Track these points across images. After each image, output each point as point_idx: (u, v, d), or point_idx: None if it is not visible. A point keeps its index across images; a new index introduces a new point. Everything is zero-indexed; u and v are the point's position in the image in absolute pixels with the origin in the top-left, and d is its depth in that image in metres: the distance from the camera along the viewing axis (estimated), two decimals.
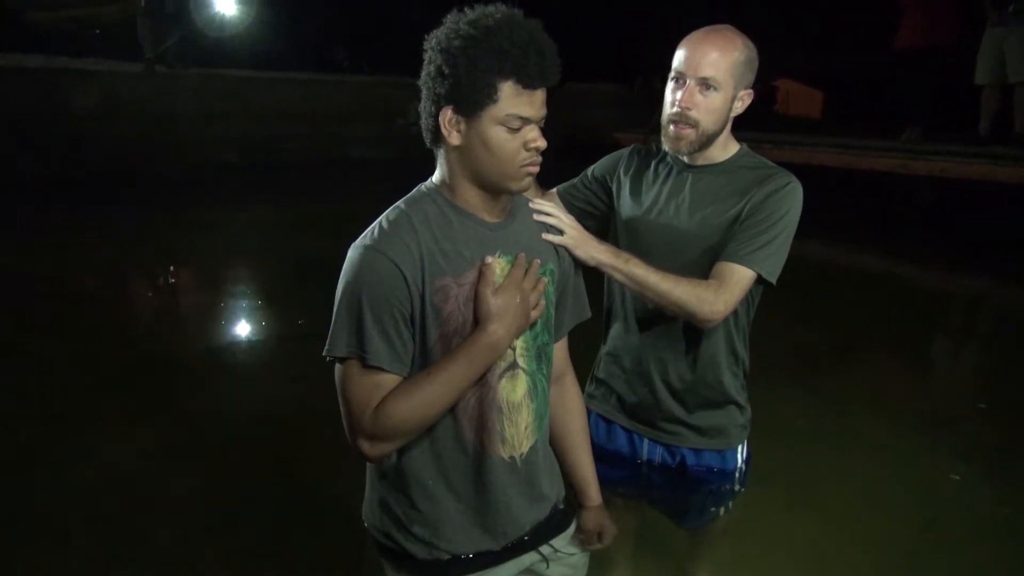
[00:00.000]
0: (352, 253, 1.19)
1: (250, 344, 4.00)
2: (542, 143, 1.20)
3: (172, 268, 5.47)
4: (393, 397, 1.16)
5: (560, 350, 1.45)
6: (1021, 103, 6.22)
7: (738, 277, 1.56)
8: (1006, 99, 6.35)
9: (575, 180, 1.92)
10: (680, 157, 1.71)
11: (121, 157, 8.20)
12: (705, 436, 1.81)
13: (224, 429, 2.95)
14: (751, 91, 1.66)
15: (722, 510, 1.93)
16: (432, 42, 1.17)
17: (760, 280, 1.59)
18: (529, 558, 1.37)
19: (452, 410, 1.23)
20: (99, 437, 2.84)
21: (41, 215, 6.64)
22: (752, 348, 1.82)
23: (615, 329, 1.86)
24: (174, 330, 4.23)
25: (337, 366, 1.20)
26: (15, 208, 6.72)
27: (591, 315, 1.49)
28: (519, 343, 1.26)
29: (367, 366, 1.16)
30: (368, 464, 1.34)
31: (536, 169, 1.22)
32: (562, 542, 1.42)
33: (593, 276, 1.54)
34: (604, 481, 1.55)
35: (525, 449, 1.31)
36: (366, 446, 1.18)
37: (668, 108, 1.64)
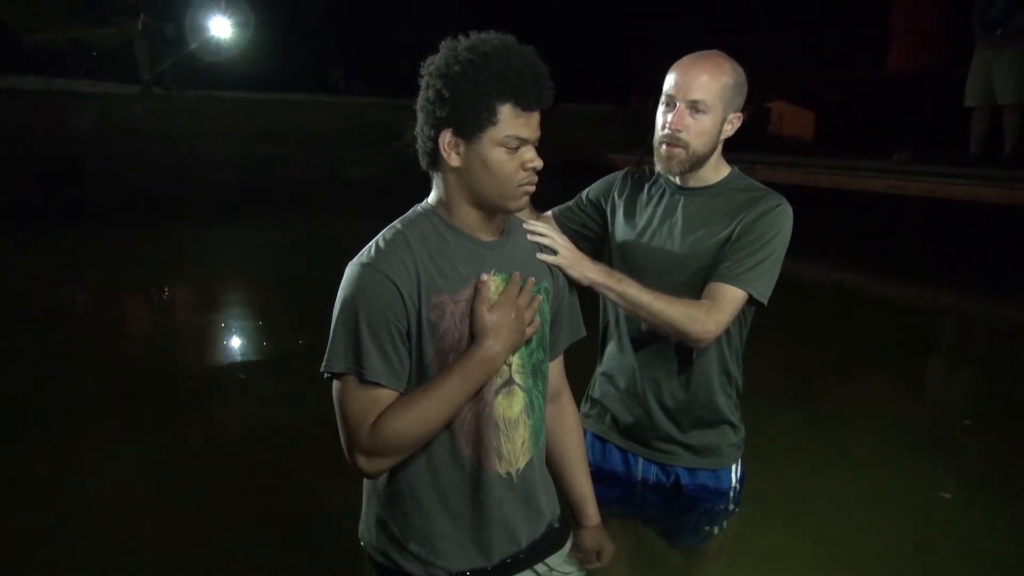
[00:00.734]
0: (349, 271, 1.21)
1: (246, 364, 4.00)
2: (539, 163, 1.23)
3: (168, 288, 5.47)
4: (390, 412, 1.18)
5: (556, 368, 1.47)
6: (1010, 125, 6.30)
7: (730, 297, 1.58)
8: (995, 121, 6.43)
9: (570, 203, 1.94)
10: (672, 179, 1.74)
11: (118, 178, 8.22)
12: (699, 455, 1.82)
13: (220, 449, 2.94)
14: (740, 114, 1.69)
15: (716, 529, 1.94)
16: (430, 68, 1.20)
17: (751, 300, 1.62)
18: None
19: (449, 426, 1.24)
20: (93, 458, 2.82)
21: (37, 235, 6.63)
22: (745, 368, 1.84)
23: (610, 349, 1.89)
24: (169, 350, 4.21)
25: (335, 382, 1.21)
26: (11, 227, 6.71)
27: (586, 334, 1.51)
28: (515, 360, 1.28)
29: (364, 382, 1.18)
30: (364, 482, 1.35)
31: (533, 188, 1.25)
32: (558, 560, 1.42)
33: (588, 296, 1.56)
34: (599, 500, 1.55)
35: (522, 465, 1.32)
36: (363, 462, 1.19)
37: (659, 130, 1.67)
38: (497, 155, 1.20)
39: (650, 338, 1.74)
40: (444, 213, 1.27)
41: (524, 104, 1.18)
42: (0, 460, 2.78)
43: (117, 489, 2.61)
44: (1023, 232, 6.22)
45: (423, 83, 1.21)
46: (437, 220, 1.27)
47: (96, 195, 7.82)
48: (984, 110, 6.42)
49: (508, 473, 1.30)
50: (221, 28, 11.18)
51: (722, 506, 1.87)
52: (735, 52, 1.68)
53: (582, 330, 1.50)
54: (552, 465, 1.47)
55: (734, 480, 1.87)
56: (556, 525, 1.44)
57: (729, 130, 1.69)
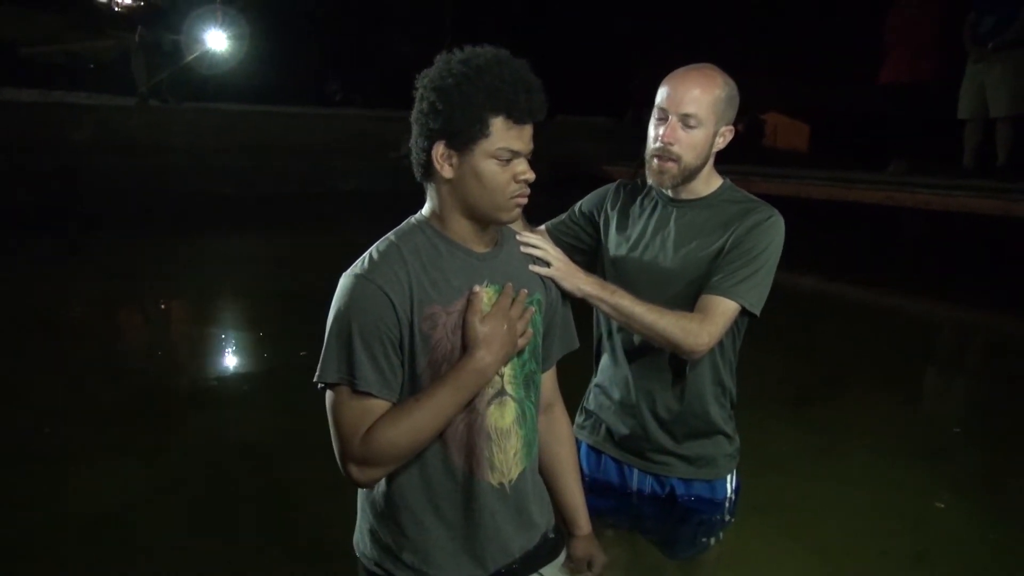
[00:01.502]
0: (343, 282, 1.22)
1: (244, 375, 3.99)
2: (531, 175, 1.24)
3: (164, 300, 5.47)
4: (382, 422, 1.18)
5: (548, 380, 1.47)
6: (1002, 137, 6.36)
7: (722, 309, 1.59)
8: (988, 133, 6.48)
9: (563, 216, 1.95)
10: (664, 191, 1.75)
11: (114, 190, 8.22)
12: (694, 466, 1.82)
13: (216, 461, 2.94)
14: (732, 127, 1.70)
15: (712, 540, 1.93)
16: (424, 81, 1.22)
17: (744, 312, 1.62)
18: None
19: (441, 436, 1.24)
20: (91, 468, 2.82)
21: (34, 247, 6.63)
22: (740, 379, 1.84)
23: (604, 361, 1.89)
24: (166, 361, 4.21)
25: (328, 392, 1.22)
26: (8, 239, 6.71)
27: (579, 345, 1.52)
28: (507, 370, 1.29)
29: (357, 392, 1.18)
30: (359, 493, 1.35)
31: (525, 200, 1.26)
32: (552, 571, 1.42)
33: (583, 309, 1.56)
34: (594, 512, 1.55)
35: (514, 476, 1.32)
36: (356, 471, 1.20)
37: (651, 143, 1.68)
38: (489, 167, 1.20)
39: (644, 350, 1.74)
40: (437, 224, 1.28)
41: (516, 117, 1.19)
42: None
43: (115, 499, 2.61)
44: (1016, 243, 6.25)
45: (417, 95, 1.23)
46: (431, 231, 1.27)
47: (92, 207, 7.81)
48: (977, 123, 6.48)
49: (500, 484, 1.30)
50: (217, 41, 11.23)
51: (717, 517, 1.87)
52: (729, 65, 1.70)
53: (575, 342, 1.50)
54: (544, 475, 1.47)
55: (729, 491, 1.86)
56: (551, 535, 1.44)
57: (721, 143, 1.70)
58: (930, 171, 6.81)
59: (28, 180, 7.91)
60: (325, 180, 9.97)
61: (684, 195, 1.74)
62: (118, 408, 3.40)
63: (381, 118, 10.43)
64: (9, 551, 2.30)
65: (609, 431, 1.88)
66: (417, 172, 1.28)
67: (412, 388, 1.23)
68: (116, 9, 13.84)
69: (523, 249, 1.41)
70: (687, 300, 1.64)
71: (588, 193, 1.95)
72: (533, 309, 1.32)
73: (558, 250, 1.49)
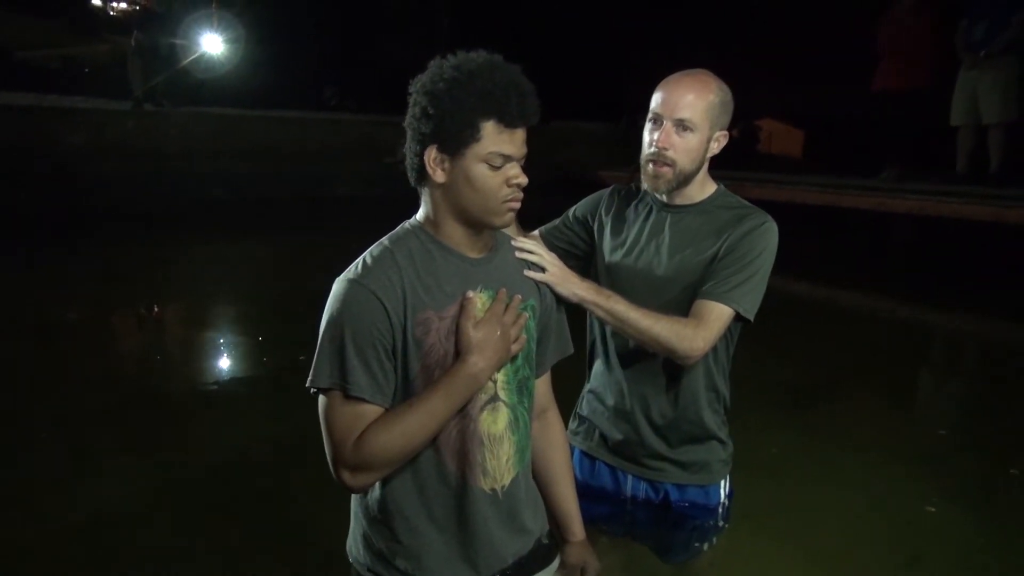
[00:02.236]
0: (336, 287, 1.22)
1: (239, 380, 3.99)
2: (523, 180, 1.24)
3: (158, 304, 5.46)
4: (375, 428, 1.18)
5: (543, 385, 1.47)
6: (995, 143, 6.41)
7: (716, 314, 1.59)
8: (981, 139, 6.52)
9: (557, 221, 1.95)
10: (659, 197, 1.75)
11: (109, 194, 8.20)
12: (688, 471, 1.82)
13: (209, 466, 2.93)
14: (726, 132, 1.71)
15: (706, 545, 1.94)
16: (417, 85, 1.22)
17: (738, 317, 1.63)
18: None
19: (434, 442, 1.24)
20: (88, 472, 2.82)
21: (28, 251, 6.61)
22: (734, 384, 1.84)
23: (597, 366, 1.89)
24: (159, 367, 4.20)
25: (320, 397, 1.21)
26: (3, 242, 6.69)
27: (573, 351, 1.52)
28: (500, 376, 1.29)
29: (349, 397, 1.18)
30: (352, 498, 1.35)
31: (518, 205, 1.26)
32: None
33: (577, 314, 1.56)
34: (588, 518, 1.55)
35: (507, 482, 1.32)
36: (348, 477, 1.19)
37: (646, 148, 1.68)
38: (481, 171, 1.20)
39: (637, 355, 1.75)
40: (431, 229, 1.28)
41: (508, 121, 1.19)
42: None
43: (112, 503, 2.61)
44: (1009, 249, 6.28)
45: (411, 100, 1.23)
46: (424, 236, 1.27)
47: (87, 211, 7.80)
48: (969, 129, 6.52)
49: (493, 489, 1.30)
50: (213, 45, 11.22)
51: (711, 522, 1.87)
52: (724, 71, 1.70)
53: (570, 347, 1.50)
54: (538, 480, 1.47)
55: (723, 496, 1.87)
56: (544, 541, 1.44)
57: (715, 148, 1.70)
58: (923, 177, 6.85)
59: (24, 184, 7.89)
60: (320, 184, 9.96)
61: (678, 200, 1.74)
62: (116, 411, 3.39)
63: (377, 123, 10.41)
64: (9, 551, 2.30)
65: (603, 437, 1.88)
66: (411, 177, 1.28)
67: (405, 393, 1.23)
68: (112, 13, 13.87)
69: (518, 254, 1.41)
70: (681, 305, 1.64)
71: (582, 198, 1.96)
72: (527, 315, 1.32)
73: (553, 255, 1.49)
